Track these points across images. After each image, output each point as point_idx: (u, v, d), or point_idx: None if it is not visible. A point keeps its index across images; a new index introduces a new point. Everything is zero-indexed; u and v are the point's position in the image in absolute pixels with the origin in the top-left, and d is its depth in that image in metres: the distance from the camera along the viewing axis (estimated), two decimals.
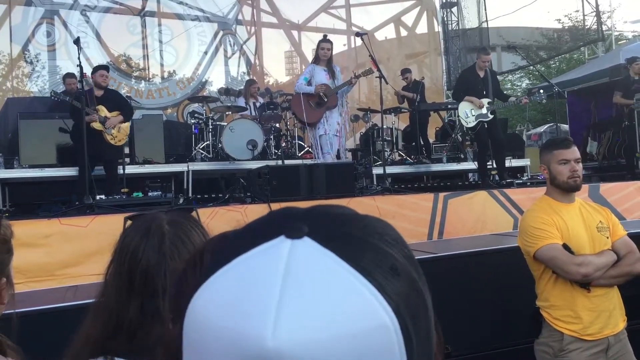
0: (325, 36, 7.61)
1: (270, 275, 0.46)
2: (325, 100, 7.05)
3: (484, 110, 7.62)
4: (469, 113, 7.71)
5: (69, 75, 9.00)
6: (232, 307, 0.46)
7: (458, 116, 8.20)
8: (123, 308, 1.23)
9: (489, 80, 7.77)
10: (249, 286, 0.46)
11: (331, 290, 0.45)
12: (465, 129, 8.26)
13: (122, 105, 7.23)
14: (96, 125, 6.76)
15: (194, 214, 1.43)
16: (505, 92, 8.71)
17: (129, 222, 1.38)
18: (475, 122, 7.66)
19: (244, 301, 0.45)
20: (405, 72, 10.87)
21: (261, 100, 9.86)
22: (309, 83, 7.15)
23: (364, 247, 0.49)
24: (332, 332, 0.44)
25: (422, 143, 10.18)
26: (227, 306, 0.46)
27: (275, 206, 5.36)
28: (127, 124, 7.22)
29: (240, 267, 0.48)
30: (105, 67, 7.44)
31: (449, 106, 11.55)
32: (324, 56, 7.20)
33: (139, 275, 1.24)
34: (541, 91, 8.33)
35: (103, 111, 6.89)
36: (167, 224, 1.30)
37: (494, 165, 8.08)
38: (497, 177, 7.94)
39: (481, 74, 7.80)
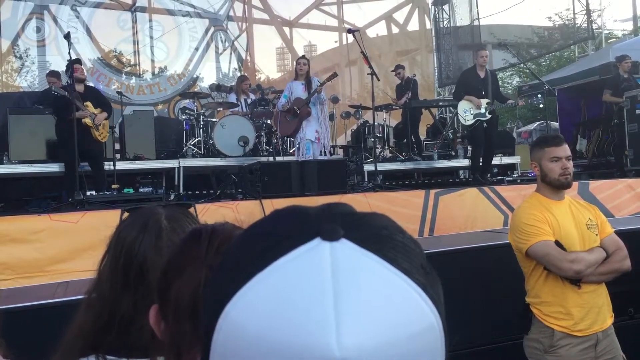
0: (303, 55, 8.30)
1: (319, 280, 0.44)
2: (298, 112, 7.56)
3: (482, 110, 7.74)
4: (467, 111, 7.83)
5: (51, 73, 8.92)
6: (283, 316, 0.43)
7: (457, 114, 8.28)
8: (116, 302, 1.21)
9: (488, 81, 7.89)
10: (297, 293, 0.44)
11: (383, 292, 0.44)
12: (461, 126, 8.34)
13: (103, 101, 7.21)
14: (88, 122, 6.73)
15: (191, 209, 1.41)
16: (503, 95, 8.76)
17: (125, 214, 1.36)
18: (473, 121, 7.78)
19: (296, 310, 0.43)
20: (398, 67, 10.81)
21: (252, 96, 9.85)
22: (289, 99, 7.71)
23: (396, 246, 0.48)
24: (391, 336, 0.43)
25: (413, 140, 10.20)
26: (276, 316, 0.43)
27: (267, 203, 5.36)
28: (107, 121, 7.22)
29: (281, 273, 0.45)
30: (77, 61, 7.35)
31: (440, 103, 11.58)
32: (300, 71, 7.81)
33: (135, 270, 1.22)
34: (539, 95, 8.41)
35: (90, 107, 6.85)
36: (165, 219, 1.28)
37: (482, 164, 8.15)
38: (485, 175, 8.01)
39: (481, 74, 7.91)
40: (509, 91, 25.89)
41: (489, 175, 8.21)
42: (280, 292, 0.44)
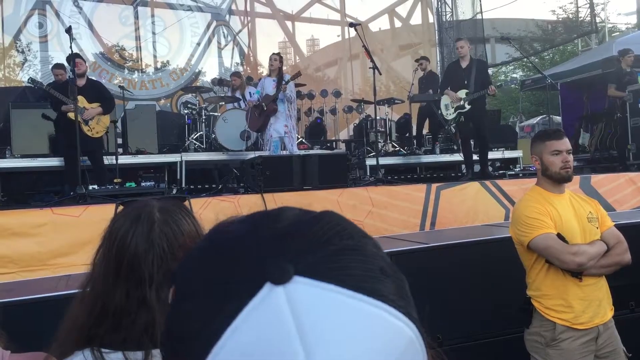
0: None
1: (284, 337, 0.40)
2: (265, 108, 7.61)
3: (461, 102, 7.62)
4: (448, 106, 7.78)
5: (57, 66, 8.88)
6: None
7: (440, 110, 8.19)
8: (109, 294, 1.22)
9: (471, 71, 7.64)
10: (263, 356, 0.40)
11: (353, 328, 0.41)
12: (446, 121, 8.22)
13: (102, 96, 7.08)
14: (72, 116, 6.66)
15: (186, 203, 1.42)
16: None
17: (120, 207, 1.37)
18: (454, 114, 7.68)
19: None
20: (422, 59, 10.52)
21: (253, 89, 9.83)
22: (262, 94, 7.79)
23: (349, 260, 0.45)
24: None
25: (427, 134, 10.26)
26: None
27: (268, 197, 5.37)
28: (107, 116, 7.09)
29: (242, 338, 0.41)
30: (76, 55, 7.24)
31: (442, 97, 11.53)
32: (271, 67, 7.92)
33: (127, 261, 1.23)
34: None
35: (82, 102, 6.77)
36: (158, 211, 1.29)
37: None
38: (489, 168, 7.93)
39: (464, 64, 7.73)
40: (512, 85, 25.82)
41: (490, 168, 8.12)
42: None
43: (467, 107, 7.59)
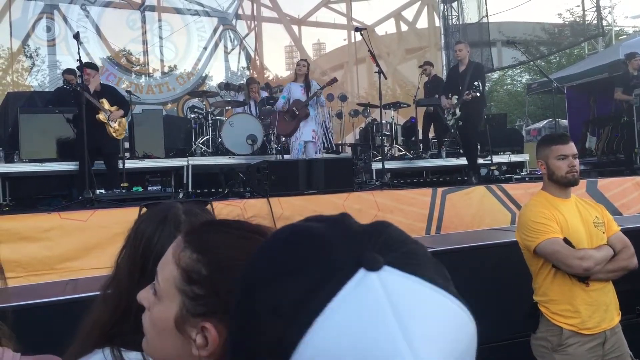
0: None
1: (381, 317, 0.44)
2: (297, 113, 7.74)
3: (454, 108, 7.61)
4: (447, 112, 7.77)
5: (68, 71, 8.93)
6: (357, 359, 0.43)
7: (445, 114, 8.18)
8: (134, 291, 1.23)
9: (467, 75, 7.50)
10: (364, 334, 0.44)
11: (438, 315, 0.46)
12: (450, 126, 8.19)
13: (119, 100, 7.24)
14: (102, 117, 6.80)
15: (208, 207, 1.45)
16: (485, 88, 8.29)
17: (144, 210, 1.39)
18: (452, 121, 7.68)
19: (368, 350, 0.43)
20: (426, 64, 10.48)
21: (264, 94, 9.87)
22: (288, 99, 7.88)
23: (425, 261, 0.50)
24: (456, 354, 0.46)
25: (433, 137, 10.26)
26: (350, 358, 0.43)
27: (274, 201, 5.37)
28: (124, 119, 7.26)
29: (341, 315, 0.45)
30: (88, 65, 7.32)
31: None
32: (299, 71, 8.01)
33: (152, 261, 1.24)
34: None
35: (106, 104, 6.91)
36: (184, 213, 1.32)
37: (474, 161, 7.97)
38: (495, 172, 7.90)
39: (461, 68, 7.67)
40: (518, 89, 25.78)
41: (496, 173, 8.07)
42: (346, 335, 0.44)
43: (458, 112, 7.56)
